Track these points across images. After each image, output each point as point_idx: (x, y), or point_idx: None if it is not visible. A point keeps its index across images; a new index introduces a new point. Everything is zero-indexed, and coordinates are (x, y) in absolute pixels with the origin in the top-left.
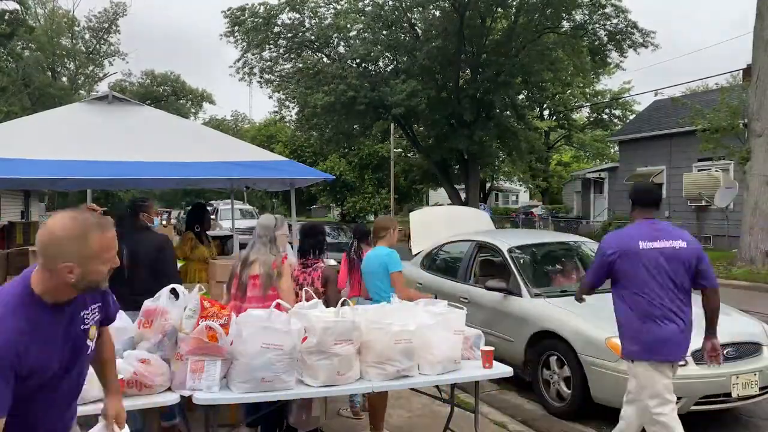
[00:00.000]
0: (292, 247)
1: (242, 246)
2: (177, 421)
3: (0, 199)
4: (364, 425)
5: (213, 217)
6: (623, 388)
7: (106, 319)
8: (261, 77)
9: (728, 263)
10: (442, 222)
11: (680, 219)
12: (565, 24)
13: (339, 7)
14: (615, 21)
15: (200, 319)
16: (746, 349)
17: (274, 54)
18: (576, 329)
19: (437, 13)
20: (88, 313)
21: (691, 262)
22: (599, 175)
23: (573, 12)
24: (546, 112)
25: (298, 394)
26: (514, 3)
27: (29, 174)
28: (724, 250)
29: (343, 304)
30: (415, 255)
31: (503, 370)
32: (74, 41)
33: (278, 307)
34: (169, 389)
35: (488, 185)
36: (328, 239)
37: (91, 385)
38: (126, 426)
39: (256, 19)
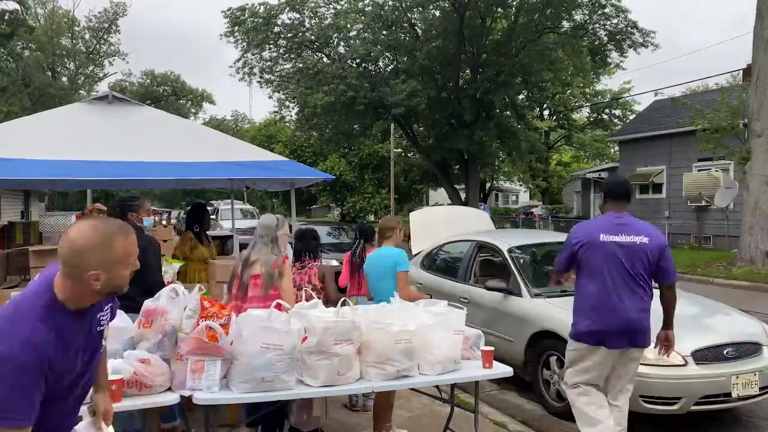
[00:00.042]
0: (292, 246)
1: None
2: (177, 423)
3: (0, 199)
4: (364, 425)
5: (213, 217)
6: None
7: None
8: (261, 77)
9: (728, 263)
10: (442, 222)
11: (680, 219)
12: (565, 24)
13: (339, 7)
14: (615, 21)
15: (200, 319)
16: (746, 349)
17: (274, 54)
18: None
19: (437, 13)
20: (104, 315)
21: (651, 257)
22: (599, 175)
23: (573, 12)
24: (546, 112)
25: (298, 394)
26: (514, 3)
27: (29, 174)
28: (724, 250)
29: (343, 304)
30: (415, 255)
31: (503, 370)
32: (74, 41)
33: (278, 307)
34: (169, 389)
35: (488, 185)
36: (329, 239)
37: None
38: (111, 426)
39: (256, 19)
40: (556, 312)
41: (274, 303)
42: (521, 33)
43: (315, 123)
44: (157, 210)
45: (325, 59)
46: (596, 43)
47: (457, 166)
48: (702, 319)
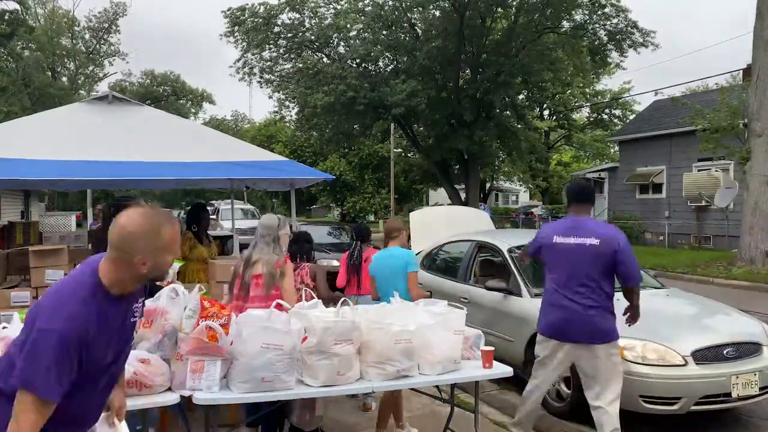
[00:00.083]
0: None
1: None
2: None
3: (0, 199)
4: (364, 425)
5: (214, 217)
6: (623, 387)
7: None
8: (261, 77)
9: (728, 263)
10: (442, 222)
11: (680, 219)
12: (565, 24)
13: (339, 7)
14: (615, 21)
15: (200, 319)
16: (746, 349)
17: (274, 54)
18: None
19: (437, 13)
20: (138, 306)
21: (601, 259)
22: (599, 175)
23: (573, 12)
24: (546, 112)
25: (298, 394)
26: (514, 3)
27: (29, 174)
28: (724, 250)
29: (343, 304)
30: (416, 255)
31: (503, 370)
32: (74, 41)
33: (278, 307)
34: (169, 389)
35: (488, 185)
36: (330, 239)
37: None
38: (124, 422)
39: (256, 19)
40: None
41: (274, 303)
42: (521, 33)
43: (315, 123)
44: None
45: (325, 59)
46: (596, 43)
47: (457, 166)
48: (702, 319)
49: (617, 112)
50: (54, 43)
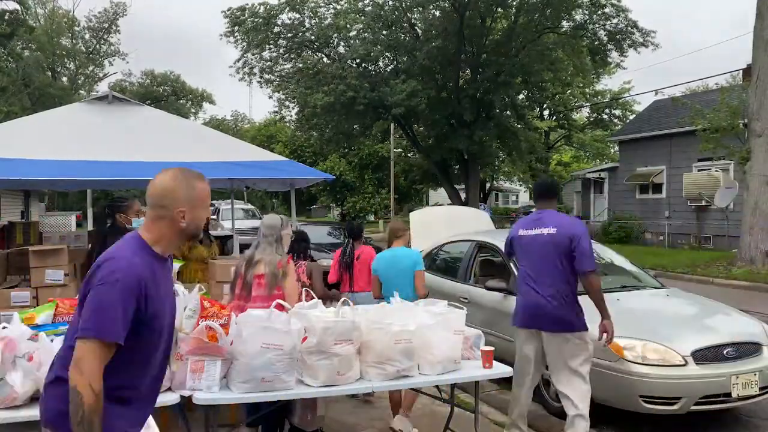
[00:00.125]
0: None
1: (242, 246)
2: None
3: (0, 199)
4: (364, 425)
5: (215, 217)
6: (623, 387)
7: None
8: (261, 77)
9: (728, 263)
10: (442, 222)
11: (680, 219)
12: (565, 24)
13: (339, 7)
14: (615, 21)
15: (200, 319)
16: (746, 349)
17: (274, 54)
18: None
19: (437, 13)
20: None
21: (559, 246)
22: (599, 175)
23: (573, 12)
24: (546, 112)
25: (298, 394)
26: (514, 3)
27: (29, 174)
28: (724, 250)
29: (343, 304)
30: None
31: (503, 370)
32: (74, 41)
33: (278, 307)
34: (169, 389)
35: (488, 185)
36: (330, 239)
37: None
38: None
39: (256, 19)
40: None
41: (274, 303)
42: (521, 33)
43: (315, 123)
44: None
45: (325, 59)
46: (596, 43)
47: (457, 166)
48: (702, 319)
49: (617, 112)
50: (54, 43)
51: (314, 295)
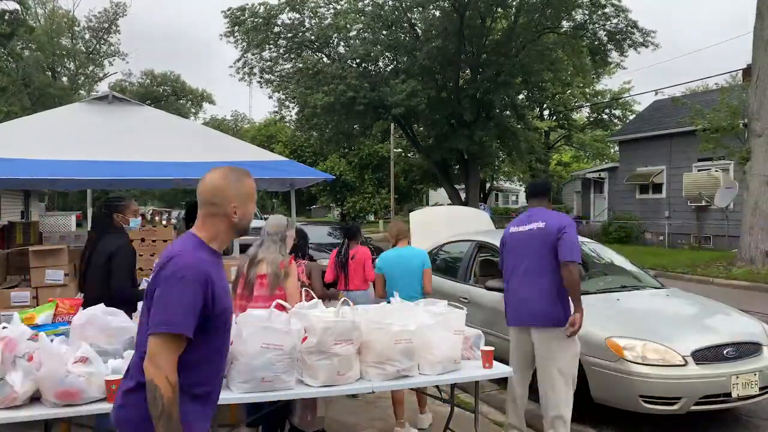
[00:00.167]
0: None
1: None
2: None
3: (0, 199)
4: (364, 425)
5: None
6: (624, 387)
7: None
8: (261, 77)
9: (728, 263)
10: (442, 222)
11: (680, 219)
12: (565, 24)
13: (339, 7)
14: (615, 21)
15: None
16: (746, 349)
17: (274, 54)
18: None
19: (437, 13)
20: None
21: (547, 239)
22: (599, 175)
23: (573, 12)
24: (546, 112)
25: (298, 394)
26: (514, 3)
27: (29, 174)
28: (724, 250)
29: (343, 304)
30: None
31: (503, 370)
32: (74, 41)
33: (279, 307)
34: None
35: (488, 185)
36: (330, 239)
37: (91, 385)
38: None
39: (256, 19)
40: None
41: (274, 303)
42: (521, 33)
43: (315, 123)
44: (158, 209)
45: (325, 59)
46: (596, 43)
47: (457, 166)
48: (702, 319)
49: (617, 112)
50: (54, 43)
51: (314, 294)
